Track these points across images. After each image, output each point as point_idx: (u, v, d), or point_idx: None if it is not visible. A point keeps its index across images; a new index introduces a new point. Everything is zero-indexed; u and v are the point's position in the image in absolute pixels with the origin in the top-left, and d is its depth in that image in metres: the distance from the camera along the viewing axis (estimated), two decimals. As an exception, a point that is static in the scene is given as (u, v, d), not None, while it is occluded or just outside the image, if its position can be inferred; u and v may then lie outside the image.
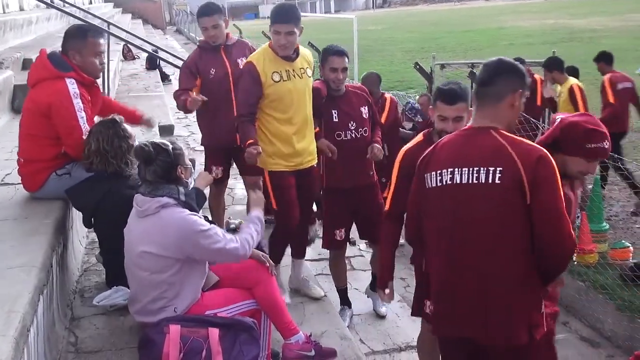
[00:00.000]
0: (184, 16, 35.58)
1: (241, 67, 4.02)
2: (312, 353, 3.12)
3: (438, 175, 2.36)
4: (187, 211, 2.74)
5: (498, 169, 2.23)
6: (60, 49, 3.44)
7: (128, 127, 3.31)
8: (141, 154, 2.77)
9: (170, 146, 2.80)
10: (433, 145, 2.52)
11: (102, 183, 3.19)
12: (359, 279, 5.24)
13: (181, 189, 2.79)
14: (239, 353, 2.69)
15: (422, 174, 2.46)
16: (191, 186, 2.97)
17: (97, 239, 3.47)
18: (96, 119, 3.54)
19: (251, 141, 3.57)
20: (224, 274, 2.99)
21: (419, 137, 3.33)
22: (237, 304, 2.91)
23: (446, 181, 2.33)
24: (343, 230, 4.30)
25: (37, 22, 9.33)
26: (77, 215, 3.75)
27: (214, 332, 2.64)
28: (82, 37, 3.41)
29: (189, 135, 7.58)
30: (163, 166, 2.76)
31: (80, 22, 6.91)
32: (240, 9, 55.36)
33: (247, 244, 2.85)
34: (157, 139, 2.97)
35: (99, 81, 5.75)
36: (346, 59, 4.03)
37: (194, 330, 2.64)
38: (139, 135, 3.86)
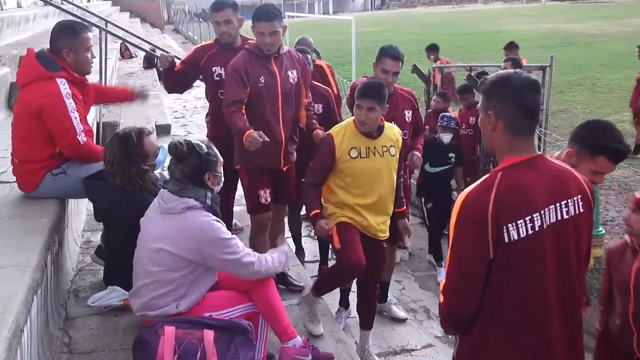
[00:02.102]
0: (182, 15, 35.56)
1: (291, 80, 3.74)
2: (309, 358, 3.10)
3: (528, 222, 1.93)
4: (212, 216, 2.75)
5: (578, 196, 2.02)
6: (49, 48, 3.38)
7: (148, 142, 3.17)
8: (174, 151, 2.77)
9: (205, 150, 2.78)
10: (494, 191, 1.95)
11: (119, 187, 3.14)
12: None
13: (208, 193, 2.79)
14: (234, 355, 2.68)
15: (498, 227, 1.93)
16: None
17: (92, 239, 3.46)
18: (92, 109, 3.49)
19: (317, 212, 3.49)
20: (223, 276, 2.98)
21: None
22: (236, 307, 2.90)
23: (539, 226, 1.94)
24: None
25: (34, 19, 9.30)
26: (73, 215, 3.73)
27: (209, 334, 2.64)
28: (75, 34, 3.37)
29: (185, 135, 7.55)
30: (192, 168, 2.76)
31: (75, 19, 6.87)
32: (240, 9, 55.20)
33: (265, 264, 2.85)
34: (198, 139, 2.89)
35: (96, 78, 5.70)
36: (400, 64, 3.98)
37: (188, 331, 2.64)
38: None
